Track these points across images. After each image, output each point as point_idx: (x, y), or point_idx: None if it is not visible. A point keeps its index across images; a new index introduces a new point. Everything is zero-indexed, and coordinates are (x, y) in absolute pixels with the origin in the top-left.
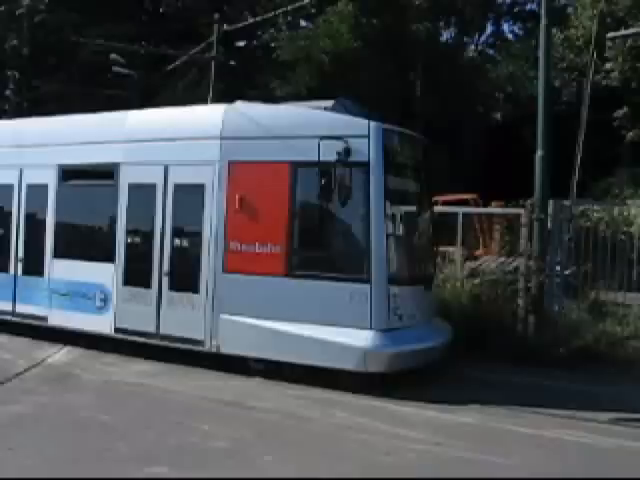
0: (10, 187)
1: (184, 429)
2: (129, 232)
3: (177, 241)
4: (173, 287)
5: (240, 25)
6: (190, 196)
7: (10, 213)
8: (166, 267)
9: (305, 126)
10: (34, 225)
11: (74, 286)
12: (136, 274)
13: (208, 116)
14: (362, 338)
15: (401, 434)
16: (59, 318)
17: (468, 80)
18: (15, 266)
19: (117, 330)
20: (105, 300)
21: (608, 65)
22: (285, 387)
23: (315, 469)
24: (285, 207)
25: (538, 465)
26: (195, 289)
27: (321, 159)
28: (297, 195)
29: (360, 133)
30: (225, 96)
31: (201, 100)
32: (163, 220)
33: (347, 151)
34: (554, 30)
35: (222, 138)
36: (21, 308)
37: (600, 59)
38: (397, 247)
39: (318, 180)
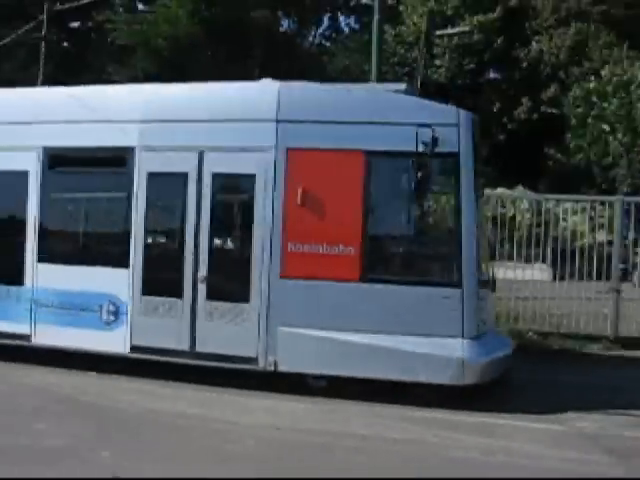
0: None
1: None
2: (150, 231)
3: (218, 241)
4: (213, 296)
5: (73, 5)
6: (235, 188)
7: None
8: (203, 272)
9: (383, 111)
10: (6, 222)
11: (70, 296)
12: (161, 281)
13: (258, 94)
14: (457, 348)
15: (569, 457)
16: (46, 336)
17: (306, 70)
18: None
19: (134, 348)
20: (116, 313)
21: (437, 62)
22: (370, 406)
23: None
24: (358, 202)
25: None
26: (244, 298)
27: (404, 148)
28: (372, 188)
29: (448, 121)
30: (56, 80)
31: (31, 83)
32: (198, 216)
33: (435, 140)
34: (387, 26)
35: (278, 121)
36: None
37: (430, 55)
38: (477, 246)
39: (400, 172)
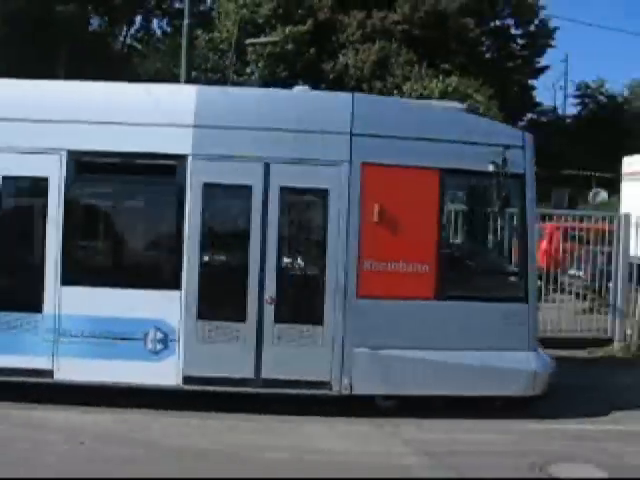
0: None
1: None
2: (206, 248)
3: (286, 260)
4: (282, 319)
5: None
6: (305, 203)
7: None
8: (270, 293)
9: (460, 130)
10: (20, 237)
11: (105, 324)
12: (220, 303)
13: (331, 104)
14: (529, 360)
15: None
16: (73, 370)
17: (115, 72)
18: None
19: (187, 379)
20: (165, 340)
21: (249, 69)
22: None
23: None
24: (434, 219)
25: None
26: (316, 319)
27: (477, 168)
28: (446, 206)
29: (516, 143)
30: None
31: None
32: (263, 233)
33: (505, 161)
34: (200, 31)
35: (353, 134)
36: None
37: (242, 63)
38: None
39: (472, 190)
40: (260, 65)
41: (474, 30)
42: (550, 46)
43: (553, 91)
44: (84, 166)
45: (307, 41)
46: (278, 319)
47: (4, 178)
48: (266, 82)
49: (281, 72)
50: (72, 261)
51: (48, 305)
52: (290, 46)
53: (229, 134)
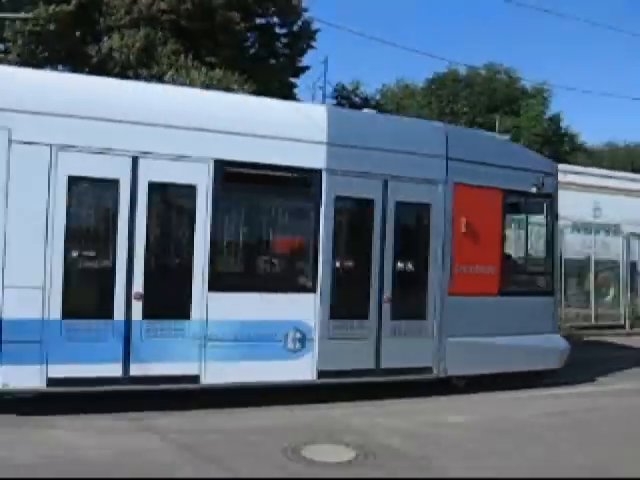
0: (115, 184)
1: None
2: (337, 255)
3: (400, 265)
4: (396, 315)
5: None
6: (414, 216)
7: (114, 224)
8: (388, 294)
9: (515, 158)
10: (167, 244)
11: (249, 327)
12: (349, 304)
13: (431, 132)
14: (559, 341)
15: None
16: (218, 374)
17: None
18: (127, 307)
19: (321, 374)
20: (303, 340)
21: (5, 46)
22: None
23: None
24: (498, 230)
25: None
26: (422, 315)
27: (525, 189)
28: (506, 220)
29: (548, 170)
30: None
31: None
32: (382, 241)
33: (542, 184)
34: None
35: (449, 158)
36: (141, 369)
37: None
38: None
39: (521, 207)
40: (19, 43)
41: (240, 24)
42: (311, 47)
43: (313, 90)
44: (230, 175)
45: (71, 22)
46: (394, 316)
47: (151, 184)
48: (26, 62)
49: (41, 53)
50: (218, 268)
51: (195, 311)
52: (52, 26)
53: (359, 153)
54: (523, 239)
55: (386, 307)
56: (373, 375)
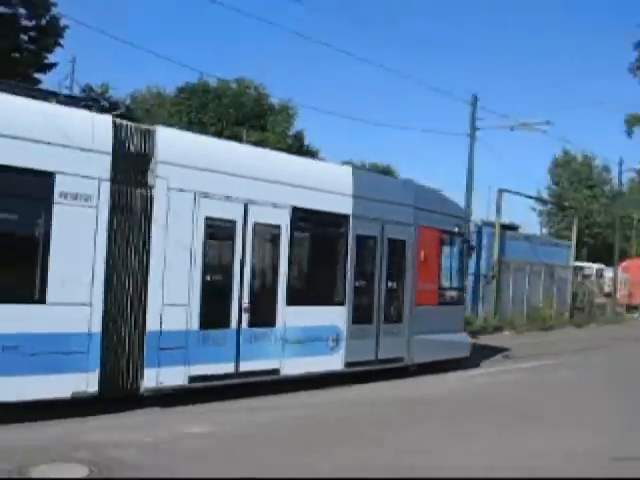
0: (233, 223)
1: None
2: (356, 277)
3: (390, 284)
4: (387, 320)
5: None
6: (398, 249)
7: (232, 254)
8: (381, 304)
9: (447, 207)
10: (263, 269)
11: (308, 331)
12: (361, 313)
13: (406, 188)
14: (466, 337)
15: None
16: (291, 367)
17: None
18: (238, 318)
19: (347, 364)
20: (337, 340)
21: None
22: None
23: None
24: (437, 259)
25: None
26: (400, 320)
27: (451, 229)
28: (441, 251)
29: (463, 216)
30: None
31: None
32: (381, 267)
33: (461, 226)
34: None
35: (415, 208)
36: (247, 365)
37: None
38: None
39: (447, 242)
40: None
41: None
42: (59, 44)
43: (60, 89)
44: (300, 219)
45: None
46: (385, 320)
47: (255, 224)
48: None
49: None
50: (292, 287)
51: (279, 320)
52: None
53: (369, 204)
54: (447, 265)
55: (381, 315)
56: (374, 364)
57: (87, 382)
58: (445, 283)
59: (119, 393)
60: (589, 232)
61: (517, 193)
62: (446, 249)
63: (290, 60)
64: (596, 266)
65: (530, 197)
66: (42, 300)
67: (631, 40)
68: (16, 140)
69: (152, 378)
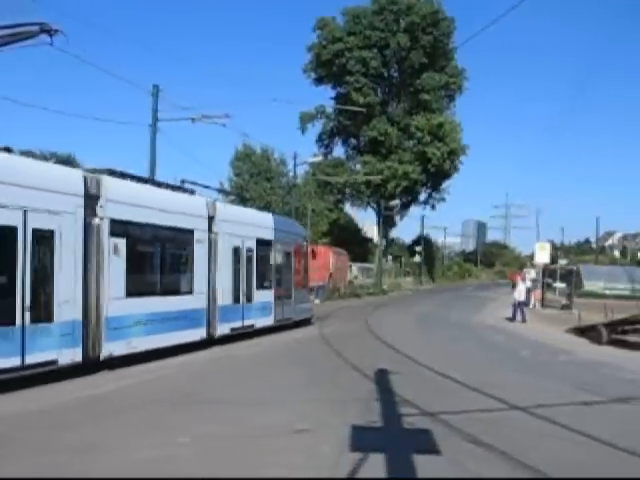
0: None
1: None
2: (276, 273)
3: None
4: (285, 296)
5: None
6: (287, 257)
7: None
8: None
9: (295, 228)
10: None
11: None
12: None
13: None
14: (311, 305)
15: None
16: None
17: None
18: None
19: (276, 321)
20: (270, 308)
21: None
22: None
23: None
24: (302, 262)
25: None
26: (290, 296)
27: (303, 243)
28: (303, 257)
29: (305, 234)
30: None
31: None
32: (275, 268)
33: (305, 241)
34: None
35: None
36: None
37: None
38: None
39: (296, 253)
40: None
41: None
42: None
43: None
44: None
45: None
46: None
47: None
48: None
49: None
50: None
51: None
52: None
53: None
54: (303, 264)
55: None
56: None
57: None
58: (303, 275)
59: None
60: None
61: (197, 184)
62: (302, 255)
63: None
64: None
65: (210, 188)
66: (191, 292)
67: (305, 43)
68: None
69: None
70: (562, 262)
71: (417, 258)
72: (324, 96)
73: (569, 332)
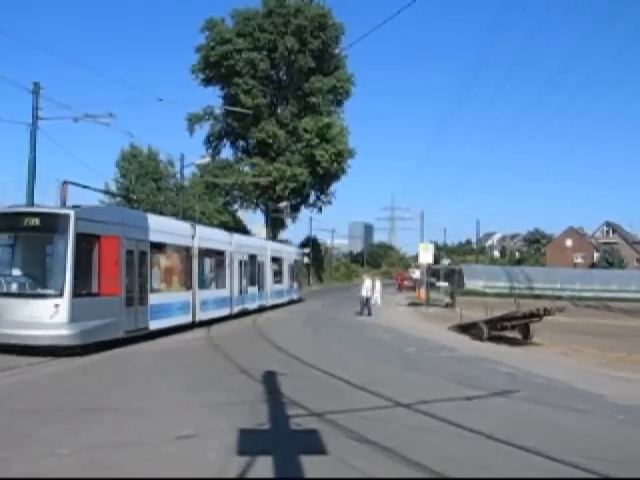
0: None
1: None
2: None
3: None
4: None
5: None
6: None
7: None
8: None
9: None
10: None
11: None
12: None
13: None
14: (299, 292)
15: None
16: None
17: None
18: None
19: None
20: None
21: None
22: None
23: None
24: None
25: None
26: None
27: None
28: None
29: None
30: None
31: None
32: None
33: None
34: None
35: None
36: None
37: None
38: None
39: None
40: None
41: None
42: None
43: None
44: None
45: None
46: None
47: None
48: None
49: None
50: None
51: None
52: None
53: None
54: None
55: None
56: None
57: None
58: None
59: None
60: None
61: (81, 185)
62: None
63: None
64: None
65: (96, 190)
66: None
67: (193, 44)
68: None
69: None
70: (445, 262)
71: (306, 259)
72: (213, 97)
73: (452, 329)
